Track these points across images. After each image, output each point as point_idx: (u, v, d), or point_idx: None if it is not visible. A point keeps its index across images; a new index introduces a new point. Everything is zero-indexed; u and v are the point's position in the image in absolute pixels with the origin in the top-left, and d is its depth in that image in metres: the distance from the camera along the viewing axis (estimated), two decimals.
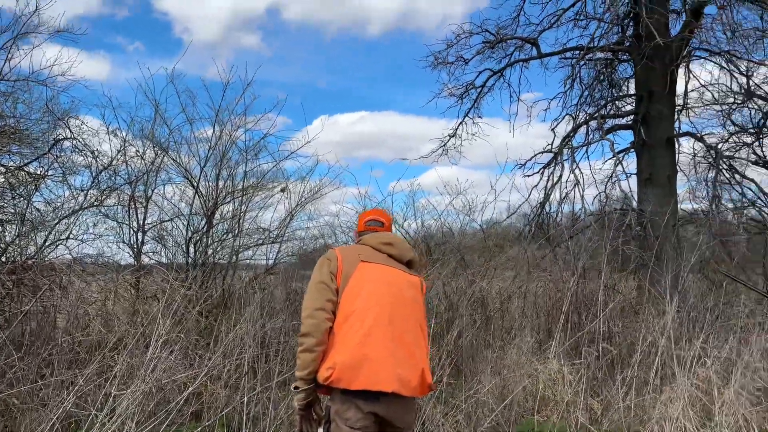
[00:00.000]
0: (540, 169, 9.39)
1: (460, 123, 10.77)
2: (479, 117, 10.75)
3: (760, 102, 9.63)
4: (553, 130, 9.47)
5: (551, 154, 9.30)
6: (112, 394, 3.66)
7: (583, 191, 8.29)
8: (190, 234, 6.99)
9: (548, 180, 9.09)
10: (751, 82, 9.39)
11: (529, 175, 9.41)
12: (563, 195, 8.41)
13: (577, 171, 8.51)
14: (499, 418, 4.46)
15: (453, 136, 10.97)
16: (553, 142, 9.36)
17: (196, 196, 7.13)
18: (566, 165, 8.79)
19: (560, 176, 8.78)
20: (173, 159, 7.14)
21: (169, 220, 7.37)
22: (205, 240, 7.22)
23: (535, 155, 9.34)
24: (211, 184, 7.25)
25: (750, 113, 10.00)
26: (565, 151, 8.97)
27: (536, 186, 9.23)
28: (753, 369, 4.76)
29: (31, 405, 4.14)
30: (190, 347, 4.83)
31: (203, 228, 7.11)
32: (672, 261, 7.57)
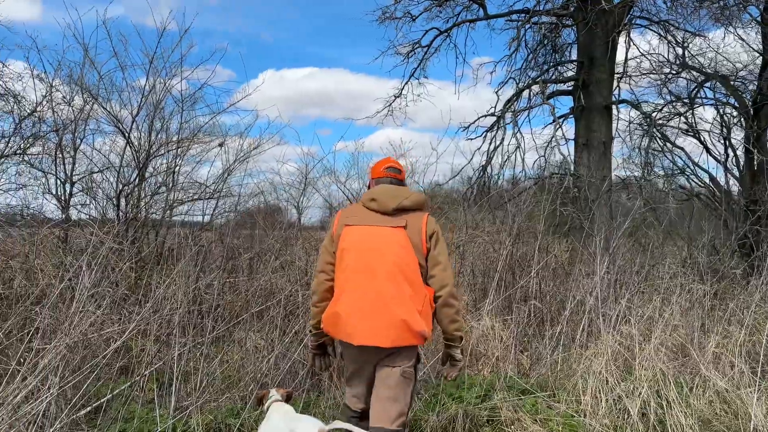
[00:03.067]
0: (483, 133, 9.47)
1: (406, 83, 10.71)
2: (425, 78, 10.71)
3: (694, 73, 9.97)
4: (497, 93, 9.54)
5: (494, 118, 9.37)
6: (34, 349, 3.49)
7: (524, 155, 8.43)
8: (120, 187, 6.70)
9: (491, 143, 9.18)
10: (686, 53, 9.69)
11: (472, 139, 9.48)
12: (505, 158, 8.50)
13: (518, 135, 8.62)
14: (430, 372, 4.55)
15: (398, 97, 10.90)
16: (496, 106, 9.43)
17: (128, 147, 6.81)
18: (508, 129, 8.89)
19: (502, 140, 8.88)
20: (103, 107, 6.77)
21: (98, 172, 7.03)
22: (137, 193, 6.95)
23: (479, 118, 9.42)
24: (143, 135, 6.95)
25: (686, 83, 10.37)
26: (507, 115, 9.05)
27: (479, 149, 9.32)
28: (672, 326, 5.01)
29: None
30: (119, 302, 4.67)
31: (135, 181, 6.83)
32: (604, 224, 7.84)
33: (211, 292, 5.10)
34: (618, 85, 9.37)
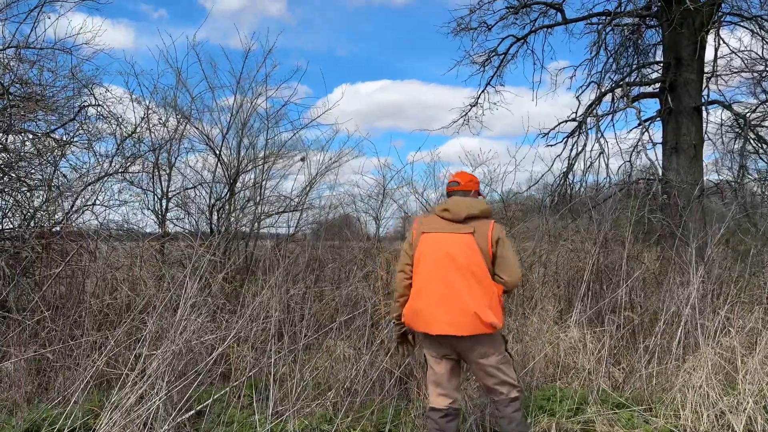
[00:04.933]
0: (564, 139, 9.27)
1: (482, 91, 10.66)
2: (502, 85, 10.63)
3: None
4: (578, 98, 9.32)
5: (575, 123, 9.16)
6: (143, 355, 3.74)
7: (608, 160, 8.19)
8: (212, 201, 7.05)
9: (572, 149, 8.98)
10: None
11: (552, 145, 9.31)
12: (587, 164, 8.29)
13: (602, 140, 8.38)
14: (521, 385, 4.48)
15: (474, 106, 10.86)
16: (577, 111, 9.21)
17: (218, 164, 7.17)
18: (591, 134, 8.67)
19: (584, 145, 8.66)
20: (195, 127, 7.17)
21: (192, 188, 7.44)
22: (227, 207, 7.29)
23: (559, 124, 9.21)
24: (232, 152, 7.29)
25: None
26: (589, 119, 8.83)
27: (559, 156, 9.12)
28: None
29: (63, 364, 4.25)
30: (218, 311, 4.91)
31: (225, 195, 7.17)
32: (698, 231, 7.48)
33: (301, 301, 5.26)
34: (707, 86, 8.94)
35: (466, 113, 10.87)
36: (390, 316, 3.63)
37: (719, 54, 9.57)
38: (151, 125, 7.22)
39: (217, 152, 7.13)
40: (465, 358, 3.43)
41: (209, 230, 7.09)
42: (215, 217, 7.10)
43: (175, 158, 7.46)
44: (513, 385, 3.45)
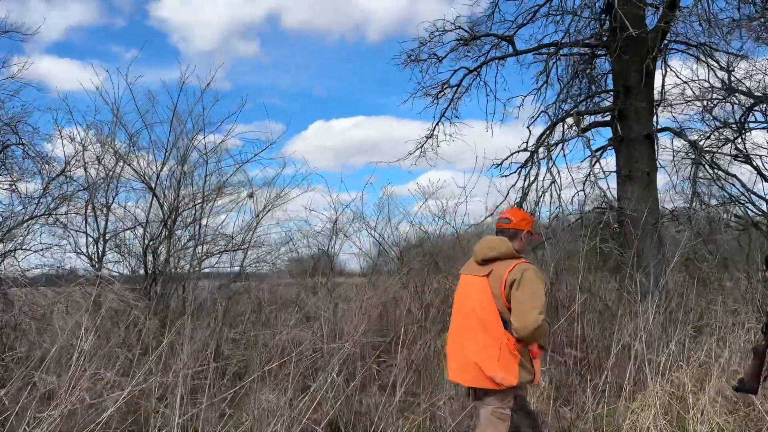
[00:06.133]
0: (517, 169, 9.14)
1: (437, 123, 10.51)
2: (456, 117, 10.50)
3: (741, 97, 9.44)
4: (528, 128, 9.23)
5: (528, 154, 9.05)
6: (32, 416, 3.35)
7: (560, 190, 8.04)
8: (147, 242, 6.69)
9: (524, 180, 8.84)
10: (731, 77, 9.21)
11: (506, 176, 9.15)
12: (539, 194, 8.14)
13: (554, 170, 8.25)
14: (460, 428, 4.18)
15: (430, 138, 10.70)
16: (528, 141, 9.11)
17: (155, 202, 6.83)
18: (542, 164, 8.54)
19: (536, 175, 8.52)
20: (129, 165, 6.83)
21: (129, 229, 7.08)
22: (166, 248, 6.93)
23: (511, 155, 9.08)
24: (172, 190, 6.97)
25: (732, 108, 9.83)
26: (541, 150, 8.72)
27: (513, 186, 8.98)
28: (730, 372, 4.50)
29: None
30: (134, 362, 4.53)
31: (163, 235, 6.81)
32: (652, 259, 7.32)
33: (232, 347, 4.92)
34: (656, 113, 8.92)
35: (422, 145, 10.71)
36: None
37: (672, 82, 9.63)
38: (85, 163, 6.91)
39: (153, 190, 6.80)
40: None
41: (145, 273, 6.72)
42: (150, 258, 6.73)
43: (113, 198, 7.14)
44: None
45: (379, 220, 7.78)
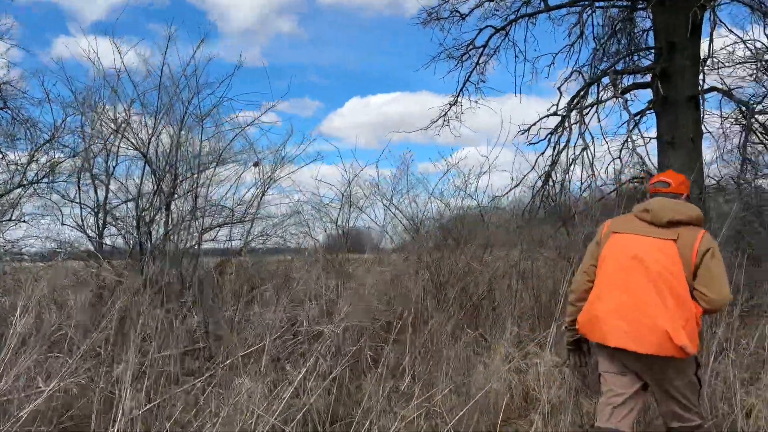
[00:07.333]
0: (546, 136, 8.38)
1: (461, 88, 9.81)
2: (483, 82, 9.76)
3: None
4: (559, 89, 8.42)
5: (559, 119, 8.27)
6: None
7: (593, 158, 7.27)
8: (139, 214, 6.24)
9: (554, 148, 8.09)
10: None
11: (534, 143, 8.41)
12: (570, 162, 7.40)
13: (587, 135, 7.47)
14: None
15: (454, 105, 10.01)
16: (558, 103, 8.31)
17: (150, 171, 6.37)
18: (575, 129, 7.77)
19: (567, 141, 7.76)
20: (123, 135, 6.35)
21: (125, 202, 6.66)
22: (165, 221, 6.50)
23: (540, 119, 8.32)
24: (168, 158, 6.49)
25: None
26: (573, 114, 7.94)
27: (542, 154, 8.23)
28: None
29: None
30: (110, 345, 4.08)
31: (157, 206, 6.37)
32: None
33: (214, 329, 4.44)
34: (703, 73, 8.00)
35: (445, 113, 10.02)
36: (563, 319, 3.38)
37: (722, 41, 8.70)
38: (86, 133, 6.50)
39: (146, 156, 6.32)
40: (645, 378, 2.99)
41: (140, 248, 6.30)
42: (145, 231, 6.29)
43: (113, 168, 6.73)
44: (695, 413, 2.98)
45: (397, 193, 7.17)
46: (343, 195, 7.15)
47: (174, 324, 4.66)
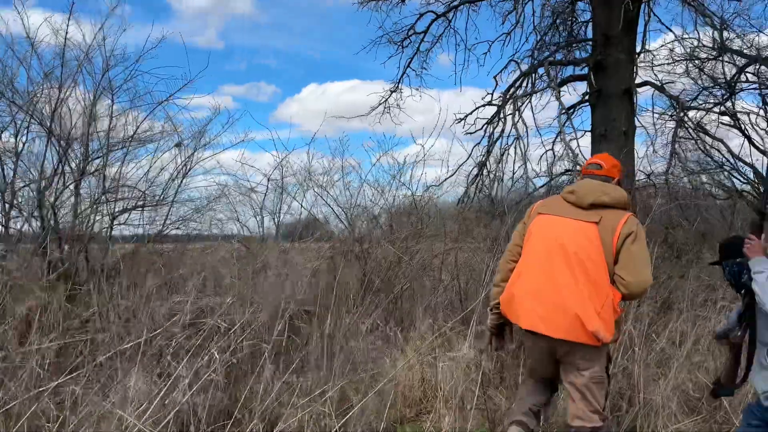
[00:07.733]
0: (483, 126, 8.28)
1: (403, 74, 9.60)
2: (425, 69, 9.57)
3: (734, 57, 8.59)
4: (495, 78, 8.32)
5: (495, 108, 8.17)
6: None
7: (526, 148, 7.20)
8: (40, 195, 5.82)
9: (489, 139, 7.99)
10: (723, 35, 8.33)
11: (471, 133, 8.29)
12: (502, 152, 7.30)
13: (520, 125, 7.39)
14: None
15: (395, 91, 9.80)
16: (493, 93, 8.21)
17: (51, 144, 5.93)
18: (509, 120, 7.68)
19: (502, 131, 7.66)
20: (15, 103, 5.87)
21: (27, 185, 6.19)
22: (71, 203, 6.09)
23: (476, 109, 8.21)
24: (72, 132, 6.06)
25: (722, 70, 8.97)
26: (508, 105, 7.85)
27: (478, 144, 8.12)
28: (693, 364, 3.76)
29: None
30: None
31: (65, 187, 5.95)
32: None
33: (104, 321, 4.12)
34: (636, 67, 8.02)
35: (386, 99, 9.80)
36: (490, 301, 3.30)
37: (664, 40, 8.75)
38: None
39: (50, 129, 5.86)
40: (560, 362, 2.94)
41: (42, 232, 5.87)
42: (50, 214, 5.86)
43: (23, 144, 6.24)
44: (597, 412, 2.87)
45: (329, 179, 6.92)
46: (269, 180, 6.89)
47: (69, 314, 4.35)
